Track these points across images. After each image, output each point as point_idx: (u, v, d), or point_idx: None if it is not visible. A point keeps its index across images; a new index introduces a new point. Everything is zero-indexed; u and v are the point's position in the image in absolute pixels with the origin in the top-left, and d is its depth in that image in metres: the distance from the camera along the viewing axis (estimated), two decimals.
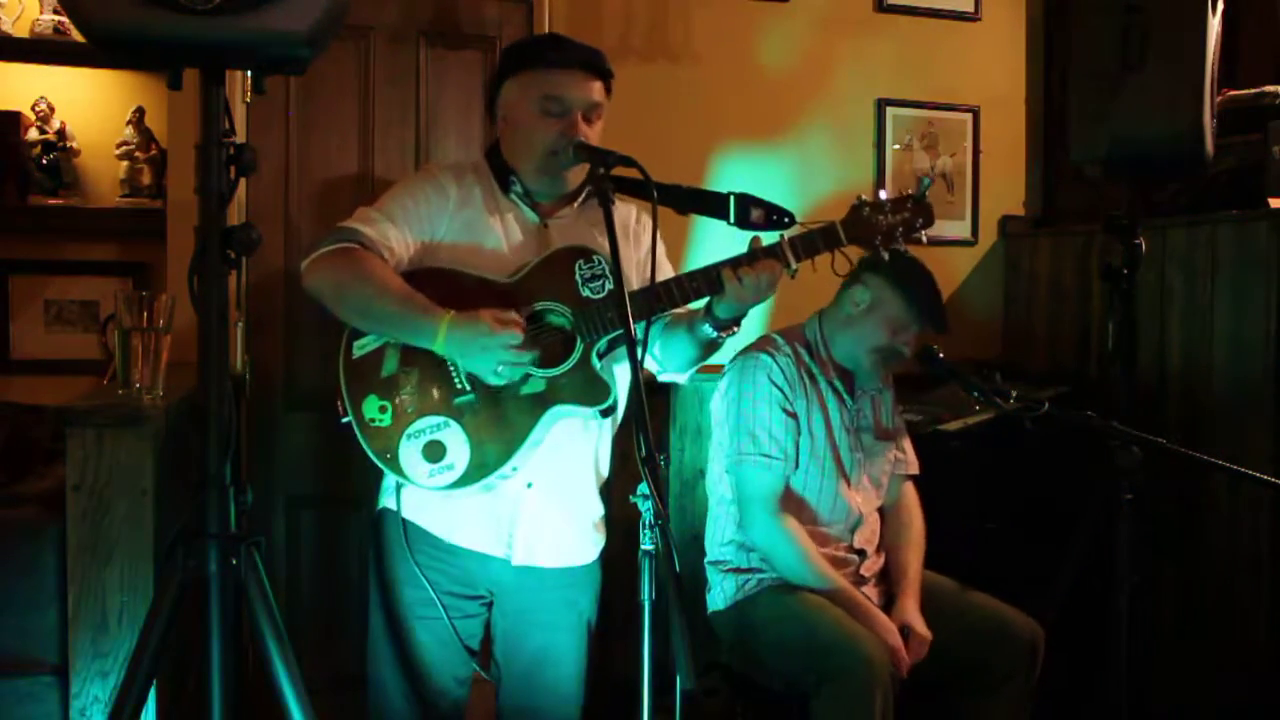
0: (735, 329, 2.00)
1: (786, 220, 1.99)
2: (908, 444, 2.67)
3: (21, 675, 1.85)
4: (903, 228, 2.00)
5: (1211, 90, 2.31)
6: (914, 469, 2.66)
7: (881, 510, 2.59)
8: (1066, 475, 2.88)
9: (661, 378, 2.21)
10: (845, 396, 2.52)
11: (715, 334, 1.98)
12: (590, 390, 1.92)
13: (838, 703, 2.14)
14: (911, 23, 3.53)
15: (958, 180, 3.60)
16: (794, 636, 2.28)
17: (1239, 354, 2.78)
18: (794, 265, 1.96)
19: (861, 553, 2.49)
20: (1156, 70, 2.28)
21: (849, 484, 2.49)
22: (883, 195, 2.00)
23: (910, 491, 2.65)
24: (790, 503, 2.43)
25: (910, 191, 2.02)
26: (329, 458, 2.95)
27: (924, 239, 2.04)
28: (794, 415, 2.44)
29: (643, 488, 1.54)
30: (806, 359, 2.50)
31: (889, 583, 2.51)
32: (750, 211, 2.00)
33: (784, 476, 2.42)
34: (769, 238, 1.98)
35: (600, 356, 1.94)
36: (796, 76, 3.41)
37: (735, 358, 2.51)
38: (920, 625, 2.36)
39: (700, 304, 1.99)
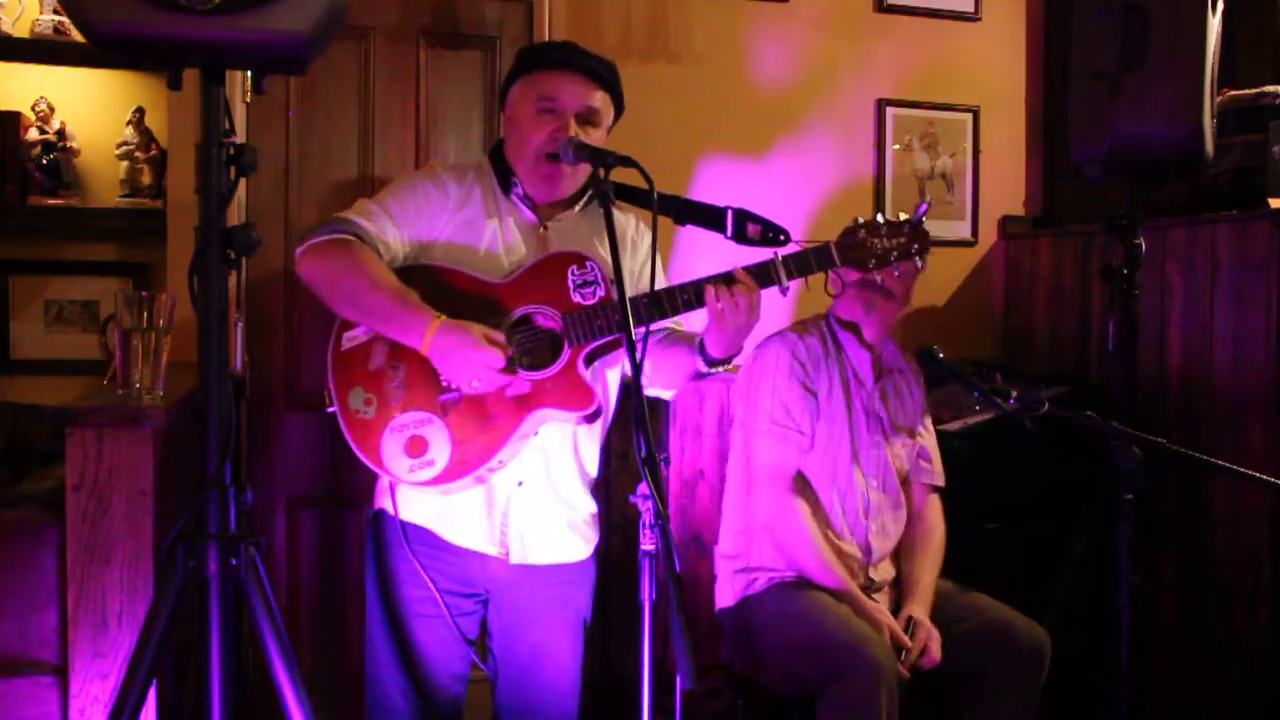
0: (728, 364, 2.01)
1: (782, 238, 2.00)
2: (934, 453, 2.62)
3: (21, 675, 1.85)
4: (897, 252, 2.00)
5: (1211, 90, 2.31)
6: (939, 480, 2.61)
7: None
8: (1066, 475, 2.88)
9: (646, 392, 2.21)
10: (868, 379, 2.50)
11: (707, 370, 2.00)
12: (574, 395, 1.91)
13: (843, 703, 2.14)
14: (911, 23, 3.53)
15: (958, 180, 3.59)
16: (799, 636, 2.28)
17: (1239, 354, 2.78)
18: (786, 282, 1.96)
19: (868, 550, 2.45)
20: (1156, 70, 2.28)
21: (862, 469, 2.46)
22: (880, 218, 2.01)
23: (935, 504, 2.60)
24: (801, 484, 2.42)
25: (907, 216, 2.02)
26: (329, 458, 2.95)
27: (919, 264, 2.04)
28: (813, 393, 2.43)
29: (643, 488, 1.55)
30: (830, 343, 2.49)
31: (899, 591, 2.48)
32: (747, 227, 2.01)
33: (795, 452, 2.41)
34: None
35: (588, 362, 1.95)
36: (797, 77, 3.41)
37: (763, 340, 2.50)
38: (927, 621, 2.35)
39: (696, 327, 1.99)
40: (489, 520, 2.00)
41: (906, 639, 2.29)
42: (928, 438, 2.62)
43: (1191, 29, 2.26)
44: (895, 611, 2.40)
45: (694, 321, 2.08)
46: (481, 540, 2.01)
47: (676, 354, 2.06)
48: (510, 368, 1.85)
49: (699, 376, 2.06)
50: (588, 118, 1.99)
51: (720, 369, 2.01)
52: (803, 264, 1.98)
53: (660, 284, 2.07)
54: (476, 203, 2.03)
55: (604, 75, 2.02)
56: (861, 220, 2.01)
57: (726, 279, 1.92)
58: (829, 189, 3.42)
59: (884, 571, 2.48)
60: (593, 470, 2.13)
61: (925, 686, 2.30)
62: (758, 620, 2.40)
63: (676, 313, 1.96)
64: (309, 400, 2.93)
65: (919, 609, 2.38)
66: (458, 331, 1.83)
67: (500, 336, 1.86)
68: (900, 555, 2.53)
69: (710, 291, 1.90)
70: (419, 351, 1.86)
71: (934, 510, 2.60)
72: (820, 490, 2.44)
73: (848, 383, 2.49)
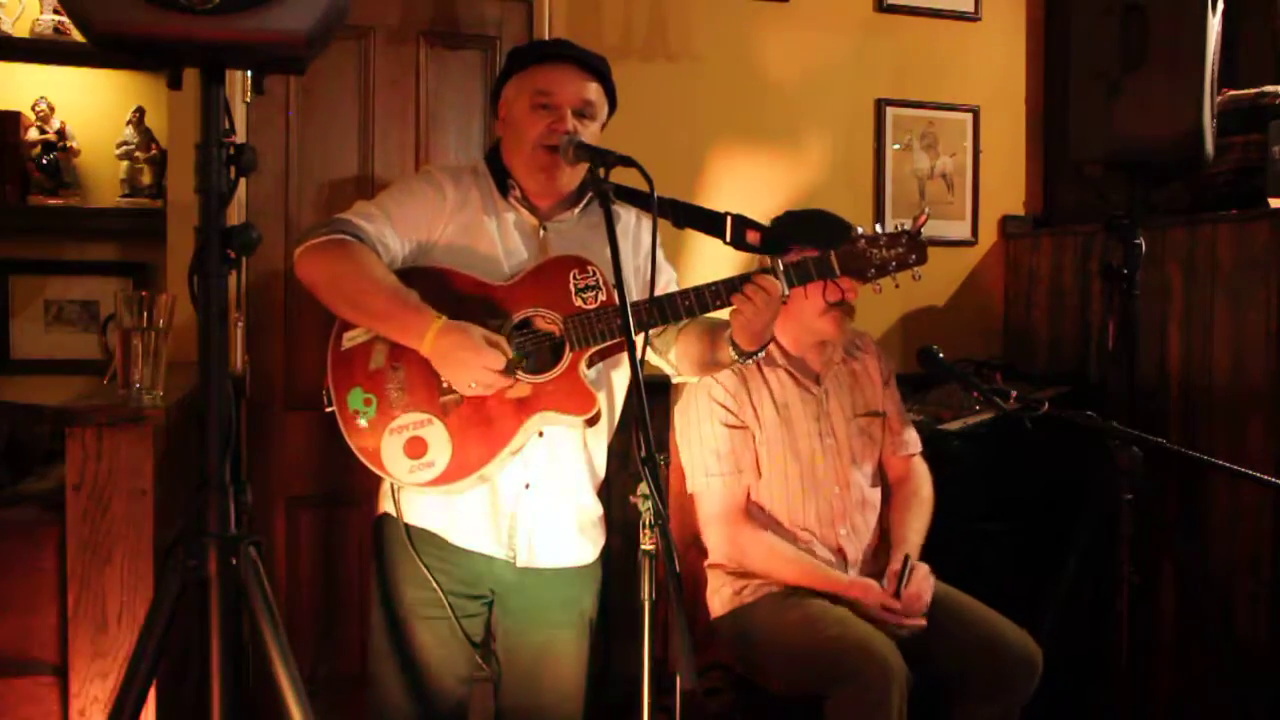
0: (761, 353, 2.01)
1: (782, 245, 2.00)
2: (901, 420, 2.61)
3: (21, 675, 1.85)
4: (895, 262, 2.00)
5: (1211, 90, 2.31)
6: (914, 449, 2.60)
7: (885, 489, 2.57)
8: (1066, 475, 2.89)
9: (676, 380, 2.22)
10: (809, 384, 2.49)
11: (740, 359, 1.99)
12: (574, 399, 1.91)
13: (855, 702, 2.12)
14: (911, 23, 3.53)
15: (958, 180, 3.60)
16: (799, 644, 2.26)
17: (1239, 354, 2.78)
18: (785, 290, 1.96)
19: (841, 554, 2.44)
20: (1156, 70, 2.28)
21: (818, 479, 2.45)
22: (879, 229, 2.02)
23: (918, 468, 2.59)
24: (757, 511, 2.43)
25: (906, 226, 2.03)
26: (329, 458, 2.95)
27: (917, 275, 2.04)
28: (741, 427, 2.42)
29: (643, 488, 1.55)
30: (754, 367, 2.45)
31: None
32: (745, 233, 2.00)
33: (740, 490, 2.41)
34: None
35: (590, 365, 1.94)
36: (796, 77, 3.41)
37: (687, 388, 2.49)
38: (923, 565, 2.35)
39: (722, 313, 1.99)
40: (496, 523, 2.00)
41: (896, 602, 2.30)
42: (891, 405, 2.61)
43: (1191, 29, 2.26)
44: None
45: None
46: (488, 543, 2.00)
47: (706, 344, 2.06)
48: (510, 370, 1.85)
49: (733, 364, 2.06)
50: (583, 111, 1.99)
51: (754, 358, 2.01)
52: (803, 272, 1.98)
53: (667, 277, 2.09)
54: (475, 205, 2.03)
55: (599, 68, 2.02)
56: (861, 231, 2.02)
57: (740, 283, 1.93)
58: (829, 189, 3.42)
59: (863, 571, 2.46)
60: (601, 472, 2.13)
61: (915, 688, 2.29)
62: (753, 630, 2.39)
63: (679, 319, 1.96)
64: (308, 400, 2.92)
65: (910, 551, 2.40)
66: (459, 333, 1.82)
67: (500, 339, 1.86)
68: (889, 523, 2.53)
69: (724, 300, 1.92)
70: (420, 352, 1.85)
71: (917, 474, 2.59)
72: (780, 513, 2.43)
73: (782, 404, 2.46)
